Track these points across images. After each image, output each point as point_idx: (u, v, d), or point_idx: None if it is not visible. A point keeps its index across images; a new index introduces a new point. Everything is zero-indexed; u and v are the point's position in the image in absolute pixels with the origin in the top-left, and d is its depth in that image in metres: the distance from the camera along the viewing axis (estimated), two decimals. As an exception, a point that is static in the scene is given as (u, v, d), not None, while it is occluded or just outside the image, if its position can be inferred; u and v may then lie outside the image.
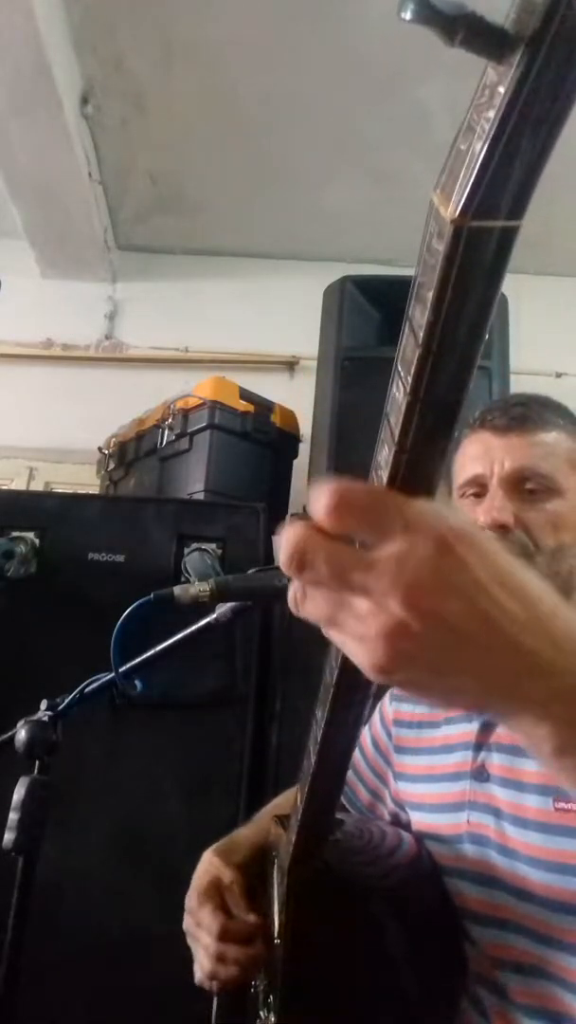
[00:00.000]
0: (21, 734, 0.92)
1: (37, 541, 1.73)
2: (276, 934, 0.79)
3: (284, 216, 2.72)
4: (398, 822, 0.95)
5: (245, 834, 0.91)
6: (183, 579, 1.66)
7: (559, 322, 2.83)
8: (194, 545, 1.72)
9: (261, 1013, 0.84)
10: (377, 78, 2.23)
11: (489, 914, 0.77)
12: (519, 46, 0.25)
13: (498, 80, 0.27)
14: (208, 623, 0.92)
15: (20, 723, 0.93)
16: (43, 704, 0.95)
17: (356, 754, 1.03)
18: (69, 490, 2.61)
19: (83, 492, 2.48)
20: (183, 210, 2.85)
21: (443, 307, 0.32)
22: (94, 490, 2.46)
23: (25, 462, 2.82)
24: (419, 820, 0.89)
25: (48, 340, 2.92)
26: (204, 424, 2.02)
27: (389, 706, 1.01)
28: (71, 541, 1.74)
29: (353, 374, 1.94)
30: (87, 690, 0.95)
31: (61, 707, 0.94)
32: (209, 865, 0.87)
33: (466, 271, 0.31)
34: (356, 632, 0.37)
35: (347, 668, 0.46)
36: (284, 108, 2.30)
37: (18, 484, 2.76)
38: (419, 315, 0.33)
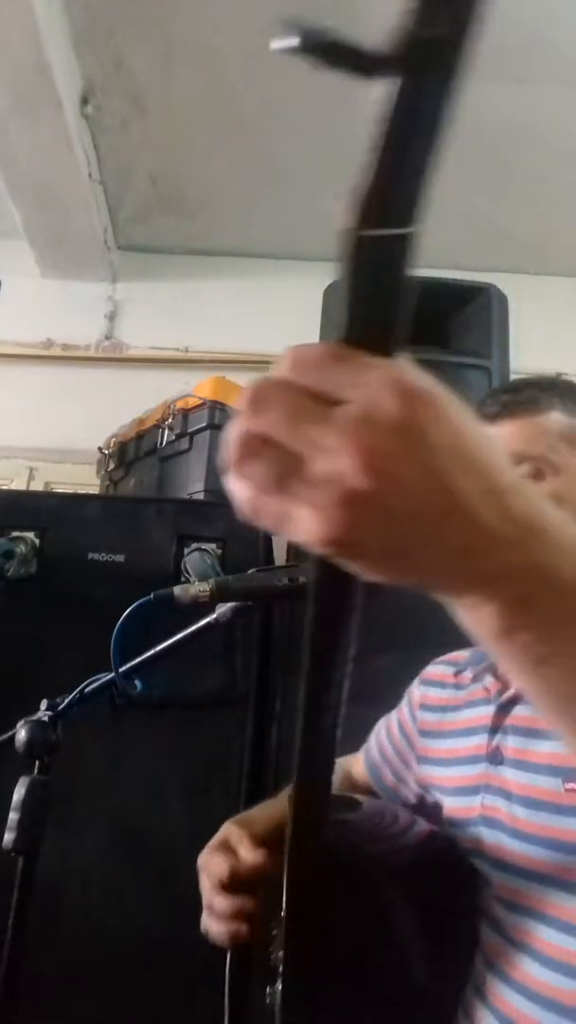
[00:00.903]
0: (21, 734, 0.92)
1: (37, 541, 1.73)
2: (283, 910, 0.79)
3: (284, 216, 2.72)
4: (423, 805, 0.95)
5: (264, 808, 0.90)
6: (183, 579, 1.66)
7: (559, 322, 2.83)
8: (194, 545, 1.72)
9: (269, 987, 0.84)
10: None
11: (508, 898, 0.77)
12: (392, 69, 0.28)
13: (379, 98, 0.29)
14: (208, 623, 0.92)
15: (20, 723, 0.93)
16: (43, 704, 0.95)
17: (383, 737, 1.05)
18: (69, 490, 2.61)
19: (83, 492, 2.48)
20: (183, 210, 2.85)
21: (348, 309, 0.33)
22: (94, 490, 2.46)
23: (25, 462, 2.82)
24: (447, 804, 0.90)
25: (48, 340, 2.92)
26: (204, 424, 2.03)
27: (417, 690, 1.02)
28: (71, 541, 1.74)
29: (353, 374, 1.94)
30: (87, 690, 0.95)
31: (61, 707, 0.94)
32: (224, 829, 0.86)
33: (366, 278, 0.32)
34: (307, 498, 0.33)
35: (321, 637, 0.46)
36: (284, 108, 2.30)
37: (18, 484, 2.76)
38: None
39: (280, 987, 0.77)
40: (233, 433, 0.35)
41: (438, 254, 2.76)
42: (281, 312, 2.73)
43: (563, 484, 0.82)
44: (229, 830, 0.85)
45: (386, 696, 1.10)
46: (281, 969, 0.77)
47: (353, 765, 1.10)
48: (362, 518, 0.33)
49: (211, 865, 0.82)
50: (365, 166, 0.30)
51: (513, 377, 2.03)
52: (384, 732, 1.06)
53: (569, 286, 2.94)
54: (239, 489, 0.35)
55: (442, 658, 1.01)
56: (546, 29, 2.11)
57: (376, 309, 0.33)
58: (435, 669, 1.01)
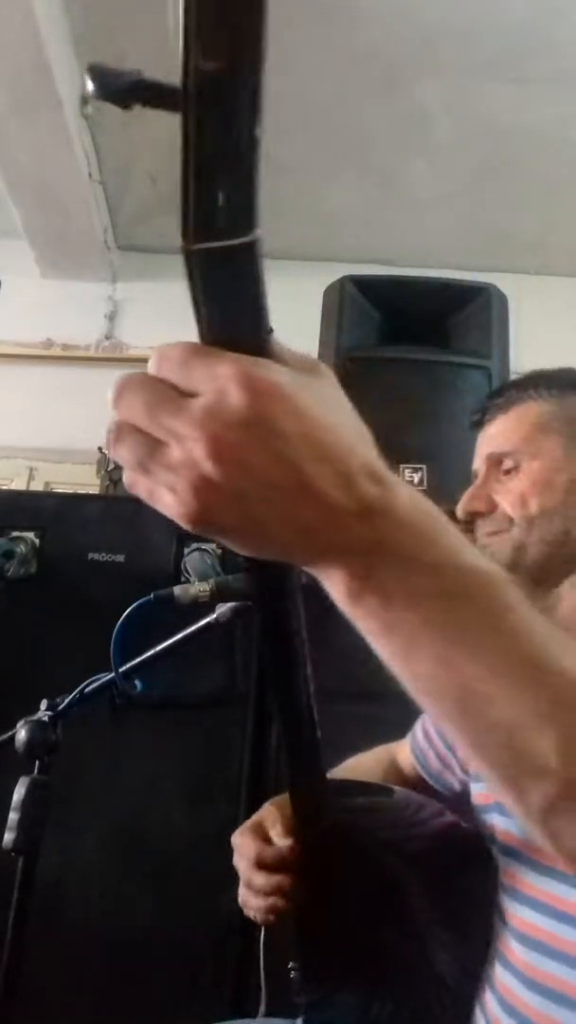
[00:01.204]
0: (21, 734, 0.92)
1: (37, 541, 1.73)
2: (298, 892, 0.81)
3: (284, 216, 2.72)
4: (466, 792, 0.96)
5: None
6: (183, 579, 1.66)
7: (559, 322, 2.83)
8: (194, 545, 1.72)
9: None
10: (377, 78, 2.23)
11: (509, 883, 0.78)
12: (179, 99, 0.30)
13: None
14: (208, 623, 0.92)
15: (20, 723, 0.93)
16: (43, 704, 0.95)
17: (428, 722, 1.05)
18: (69, 490, 2.61)
19: (83, 492, 2.48)
20: (183, 210, 2.85)
21: (199, 315, 0.37)
22: (94, 490, 2.45)
23: (25, 462, 2.82)
24: (474, 791, 0.92)
25: (48, 340, 2.92)
26: (204, 424, 2.02)
27: None
28: (71, 541, 1.74)
29: (353, 374, 1.93)
30: (87, 690, 0.95)
31: (61, 707, 0.94)
32: (263, 810, 0.88)
33: (208, 288, 0.35)
34: (166, 481, 0.37)
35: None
36: (284, 108, 2.30)
37: (18, 484, 2.76)
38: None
39: (298, 963, 0.79)
40: (110, 417, 0.38)
41: (438, 254, 2.76)
42: (281, 312, 2.68)
43: (539, 468, 0.85)
44: (266, 811, 0.87)
45: (388, 694, 1.10)
46: (295, 945, 0.79)
47: (398, 753, 1.10)
48: (214, 500, 0.36)
49: (243, 845, 0.85)
50: (181, 188, 0.33)
51: (513, 377, 2.03)
52: (428, 720, 1.06)
53: (569, 286, 2.93)
54: (123, 467, 0.39)
55: None
56: (547, 29, 2.11)
57: (225, 313, 0.36)
58: None
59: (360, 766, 1.06)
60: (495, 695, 0.40)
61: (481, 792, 0.88)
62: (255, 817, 0.87)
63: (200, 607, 0.89)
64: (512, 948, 0.75)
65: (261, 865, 0.82)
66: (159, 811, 1.56)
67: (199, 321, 0.36)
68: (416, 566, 0.39)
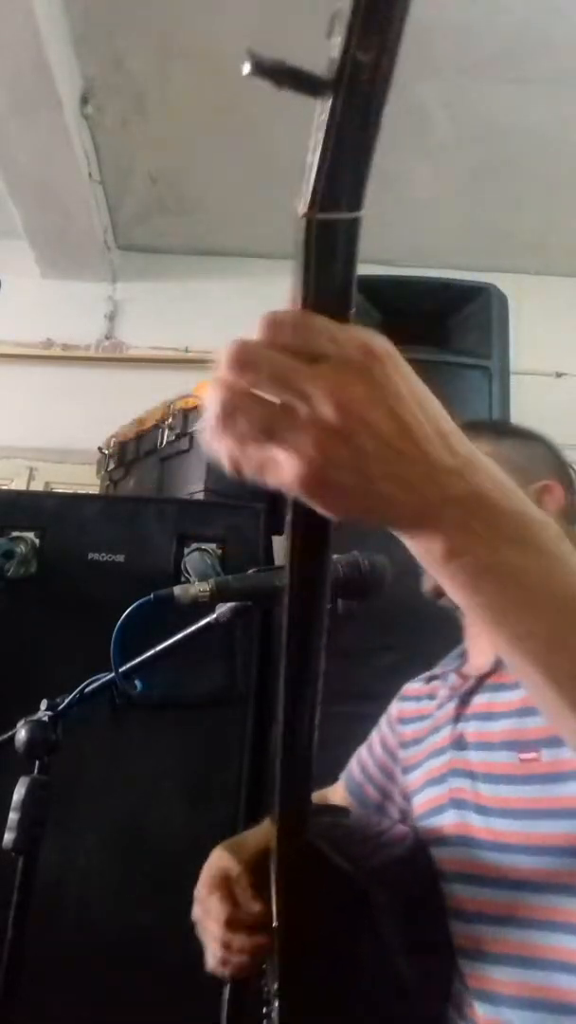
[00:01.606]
0: (21, 734, 0.92)
1: (37, 541, 1.73)
2: (274, 920, 0.81)
3: (284, 216, 2.71)
4: (406, 818, 0.99)
5: (254, 834, 0.93)
6: (183, 579, 1.66)
7: (559, 322, 2.83)
8: (194, 545, 1.72)
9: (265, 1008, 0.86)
10: (377, 78, 2.23)
11: (468, 872, 0.82)
12: (327, 88, 0.34)
13: (320, 111, 0.35)
14: (208, 623, 0.92)
15: (20, 723, 0.93)
16: (43, 704, 0.95)
17: (365, 756, 1.09)
18: (69, 490, 2.61)
19: (83, 492, 2.48)
20: (183, 210, 2.85)
21: (309, 282, 0.39)
22: (94, 490, 2.45)
23: (25, 462, 2.82)
24: (417, 803, 0.95)
25: (48, 340, 2.92)
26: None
27: (395, 707, 1.07)
28: (71, 541, 1.74)
29: (353, 374, 1.94)
30: (87, 690, 0.95)
31: (61, 707, 0.94)
32: (218, 859, 0.89)
33: (321, 256, 0.38)
34: (292, 441, 0.39)
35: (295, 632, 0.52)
36: (284, 108, 2.30)
37: (18, 484, 2.76)
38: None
39: (276, 1007, 0.79)
40: (215, 393, 0.40)
41: (438, 254, 2.76)
42: (281, 312, 2.74)
43: None
44: (224, 860, 0.87)
45: (387, 694, 1.10)
46: (275, 987, 0.79)
47: (333, 796, 1.12)
48: (337, 456, 0.39)
49: (212, 906, 0.85)
50: (314, 163, 0.36)
51: (513, 377, 2.03)
52: (366, 752, 1.10)
53: (569, 286, 2.94)
54: (221, 445, 0.41)
55: (419, 676, 1.07)
56: (547, 30, 2.11)
57: (333, 281, 0.40)
58: (411, 685, 1.07)
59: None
60: (569, 627, 0.44)
61: (430, 797, 0.91)
62: (217, 870, 0.88)
63: (200, 607, 0.88)
64: (489, 935, 0.78)
65: (233, 926, 0.83)
66: (159, 811, 1.56)
67: (305, 286, 0.39)
68: (506, 516, 0.43)
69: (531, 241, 2.82)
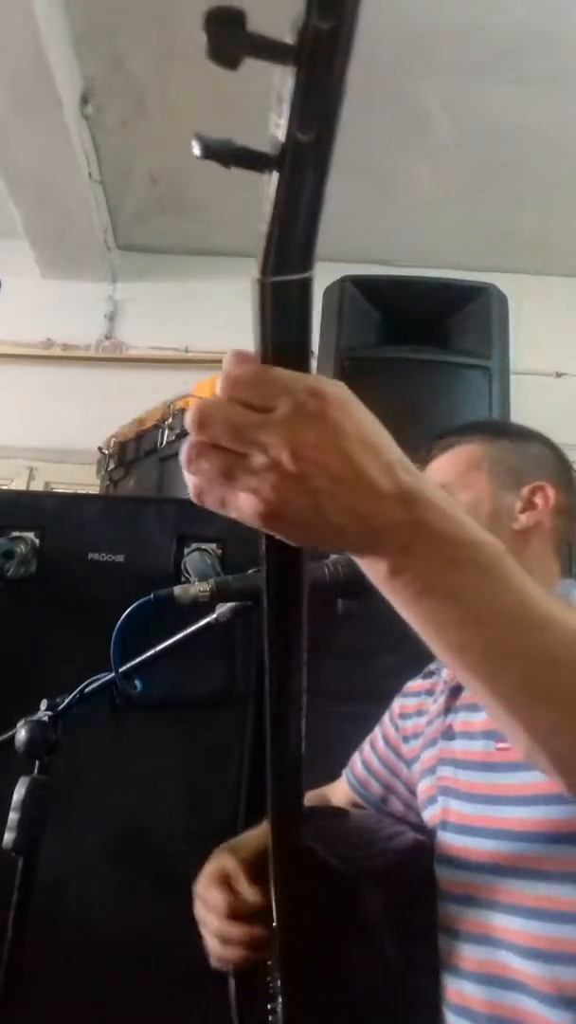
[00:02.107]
0: (21, 734, 0.92)
1: (37, 541, 1.73)
2: (274, 919, 0.82)
3: (284, 216, 2.72)
4: (409, 812, 1.02)
5: (253, 835, 0.95)
6: (183, 579, 1.66)
7: (559, 322, 2.83)
8: (194, 545, 1.72)
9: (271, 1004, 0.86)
10: (377, 78, 2.23)
11: (442, 854, 0.86)
12: (273, 166, 0.38)
13: (267, 183, 0.39)
14: (208, 623, 0.92)
15: (20, 723, 0.93)
16: (43, 704, 0.95)
17: (368, 752, 1.10)
18: (69, 490, 2.61)
19: (83, 492, 2.48)
20: (183, 210, 2.85)
21: (266, 339, 0.43)
22: (94, 490, 2.45)
23: (25, 462, 2.82)
24: (419, 795, 0.97)
25: (48, 340, 2.92)
26: (204, 424, 2.02)
27: (396, 702, 1.09)
28: (71, 541, 1.74)
29: (353, 374, 1.93)
30: (87, 690, 0.95)
31: (61, 707, 0.94)
32: (218, 859, 0.90)
33: (276, 314, 0.41)
34: (248, 484, 0.43)
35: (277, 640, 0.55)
36: (284, 108, 2.30)
37: (18, 484, 2.76)
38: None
39: (280, 1002, 0.79)
40: (186, 444, 0.44)
41: (438, 254, 2.76)
42: (281, 312, 2.74)
43: (467, 499, 0.96)
44: (224, 859, 0.89)
45: (388, 694, 1.10)
46: (279, 984, 0.80)
47: (332, 795, 1.14)
48: (291, 495, 0.43)
49: (211, 898, 0.87)
50: (264, 233, 0.38)
51: (513, 377, 2.03)
52: (368, 748, 1.11)
53: (569, 286, 2.93)
54: (190, 480, 0.45)
55: (420, 673, 1.09)
56: (547, 30, 2.11)
57: (289, 336, 0.42)
58: (412, 683, 1.09)
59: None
60: (514, 642, 0.49)
61: (426, 786, 0.94)
62: (215, 867, 0.90)
63: (200, 607, 0.88)
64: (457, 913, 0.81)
65: (232, 916, 0.85)
66: (159, 811, 1.56)
67: (263, 342, 0.42)
68: (444, 539, 0.47)
69: (531, 241, 2.82)
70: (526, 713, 0.50)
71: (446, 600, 0.48)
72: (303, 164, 0.37)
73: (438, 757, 0.92)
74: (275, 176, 0.38)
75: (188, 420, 0.44)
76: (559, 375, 2.76)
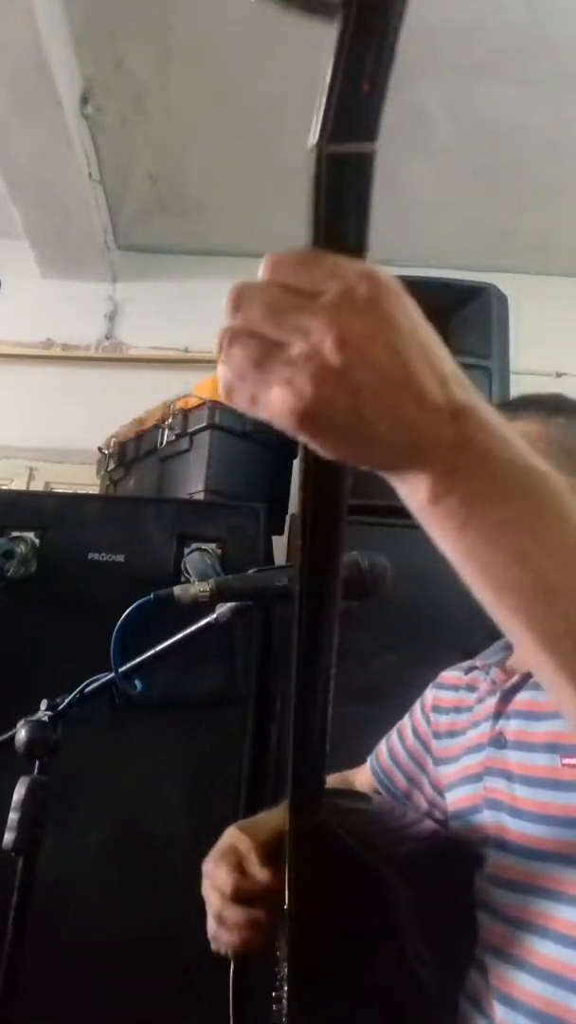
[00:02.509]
0: (21, 734, 0.92)
1: (37, 541, 1.73)
2: (286, 901, 0.79)
3: (284, 216, 2.72)
4: (434, 809, 0.97)
5: (270, 815, 0.90)
6: (183, 579, 1.66)
7: (559, 322, 2.83)
8: (194, 545, 1.72)
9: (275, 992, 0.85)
10: (377, 78, 2.22)
11: (500, 875, 0.79)
12: (337, 8, 0.32)
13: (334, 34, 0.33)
14: (208, 623, 0.92)
15: (20, 723, 0.93)
16: (43, 704, 0.95)
17: (395, 741, 1.06)
18: (69, 490, 2.61)
19: (83, 492, 2.48)
20: (183, 210, 2.85)
21: (319, 220, 0.38)
22: (94, 490, 2.46)
23: (25, 462, 2.82)
24: (450, 799, 0.92)
25: (48, 340, 2.92)
26: (204, 424, 2.02)
27: (430, 694, 1.04)
28: (71, 541, 1.74)
29: (353, 374, 1.93)
30: (87, 690, 0.95)
31: (61, 707, 0.94)
32: (230, 836, 0.86)
33: (331, 191, 0.36)
34: (283, 376, 0.38)
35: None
36: (284, 108, 2.30)
37: (18, 484, 2.76)
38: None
39: (286, 991, 0.78)
40: (220, 330, 0.40)
41: (438, 254, 2.76)
42: (281, 312, 2.74)
43: None
44: (235, 838, 0.84)
45: (388, 694, 1.10)
46: (285, 971, 0.78)
47: (355, 779, 1.10)
48: (330, 390, 0.38)
49: (218, 876, 0.82)
50: (324, 90, 0.34)
51: (513, 377, 2.03)
52: (396, 737, 1.06)
53: (569, 286, 2.93)
54: (221, 374, 0.40)
55: (457, 665, 1.03)
56: (547, 30, 2.11)
57: (343, 216, 0.37)
58: (448, 673, 1.03)
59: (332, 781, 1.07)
60: (568, 584, 0.42)
61: (463, 795, 0.87)
62: (225, 844, 0.85)
63: (200, 607, 0.88)
64: (524, 945, 0.74)
65: (236, 898, 0.80)
66: (159, 811, 1.56)
67: (315, 224, 0.37)
68: (496, 464, 0.42)
69: (531, 241, 2.82)
70: None
71: (495, 533, 0.42)
72: (373, 8, 0.32)
73: (484, 765, 0.85)
74: (339, 22, 0.33)
75: (225, 302, 0.39)
76: (559, 375, 2.75)
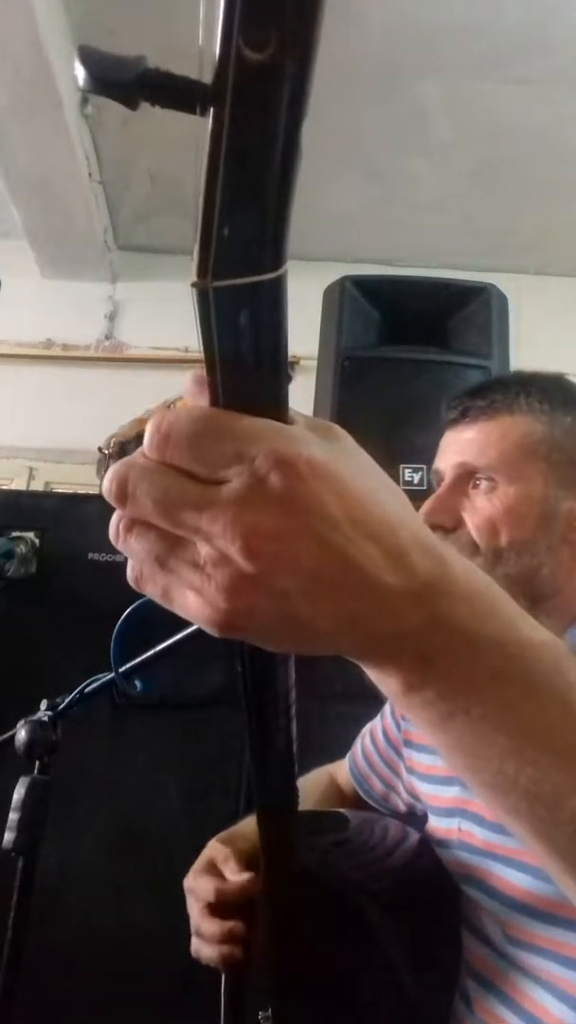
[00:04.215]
0: (21, 734, 0.92)
1: (37, 541, 1.73)
2: (267, 946, 0.78)
3: (284, 216, 2.72)
4: (414, 813, 0.95)
5: (249, 824, 0.87)
6: (183, 579, 1.66)
7: (559, 322, 2.83)
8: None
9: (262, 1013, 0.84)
10: (376, 78, 2.23)
11: (477, 918, 0.77)
12: (209, 97, 0.24)
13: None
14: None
15: (20, 723, 0.93)
16: (43, 704, 0.95)
17: (368, 745, 1.04)
18: (69, 490, 2.61)
19: (83, 492, 2.47)
20: (183, 210, 2.85)
21: (213, 370, 0.31)
22: (94, 490, 2.45)
23: (25, 462, 2.82)
24: (428, 820, 0.89)
25: (48, 340, 2.92)
26: (204, 424, 2.02)
27: None
28: (71, 541, 1.74)
29: (353, 374, 1.93)
30: (87, 690, 0.95)
31: (61, 707, 0.94)
32: (208, 849, 0.85)
33: (224, 335, 0.29)
34: (190, 581, 0.32)
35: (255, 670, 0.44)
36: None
37: (18, 484, 2.76)
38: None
39: (270, 1012, 0.77)
40: (115, 515, 0.33)
41: (438, 254, 2.76)
42: (281, 312, 2.74)
43: (515, 496, 0.78)
44: (214, 849, 0.83)
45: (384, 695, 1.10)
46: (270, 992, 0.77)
47: (337, 772, 1.08)
48: (248, 600, 0.32)
49: (198, 888, 0.81)
50: (203, 208, 0.26)
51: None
52: (369, 740, 1.04)
53: (570, 286, 2.94)
54: (129, 564, 0.34)
55: None
56: (547, 30, 2.11)
57: (246, 366, 0.30)
58: None
59: (301, 792, 1.05)
60: (570, 784, 0.35)
61: (439, 826, 0.83)
62: (204, 857, 0.83)
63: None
64: (519, 988, 0.71)
65: (217, 907, 0.77)
66: (159, 811, 1.56)
67: (210, 372, 0.30)
68: (480, 645, 0.35)
69: (531, 241, 2.82)
70: None
71: (480, 725, 0.35)
72: (252, 97, 0.23)
73: (455, 803, 0.80)
74: (210, 117, 0.24)
75: (104, 485, 0.32)
76: (559, 375, 2.76)
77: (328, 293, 2.13)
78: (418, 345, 1.98)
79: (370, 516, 0.32)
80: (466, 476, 0.81)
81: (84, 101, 2.39)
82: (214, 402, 0.32)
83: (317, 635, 0.33)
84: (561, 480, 0.79)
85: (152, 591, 0.34)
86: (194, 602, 0.32)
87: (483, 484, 0.79)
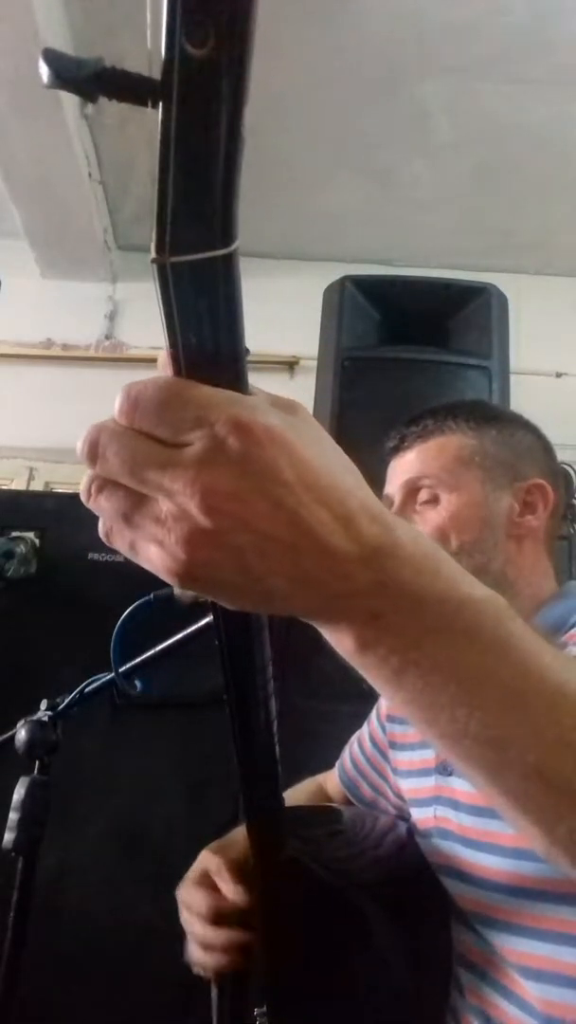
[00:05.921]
0: (21, 734, 0.92)
1: (37, 541, 1.73)
2: (260, 936, 0.79)
3: (284, 216, 2.72)
4: (403, 817, 0.96)
5: (240, 832, 0.89)
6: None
7: (559, 322, 2.83)
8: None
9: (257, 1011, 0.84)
10: (376, 78, 2.23)
11: (471, 909, 0.78)
12: (158, 91, 0.27)
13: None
14: (208, 623, 0.92)
15: (20, 723, 0.93)
16: (43, 704, 0.95)
17: (356, 751, 1.06)
18: (69, 490, 2.61)
19: (83, 492, 2.47)
20: (183, 210, 2.85)
21: (176, 342, 0.33)
22: (94, 490, 2.46)
23: (25, 462, 2.82)
24: (412, 814, 0.92)
25: (48, 340, 2.92)
26: (204, 424, 2.02)
27: (383, 701, 1.03)
28: (71, 541, 1.74)
29: (353, 374, 1.94)
30: (87, 690, 0.95)
31: (61, 707, 0.94)
32: (201, 859, 0.86)
33: (185, 308, 0.32)
34: (153, 535, 0.35)
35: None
36: (283, 108, 2.30)
37: (18, 484, 2.76)
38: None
39: (266, 1008, 0.77)
40: (86, 475, 0.37)
41: (438, 254, 2.76)
42: (281, 312, 2.73)
43: (458, 502, 0.86)
44: (206, 860, 0.84)
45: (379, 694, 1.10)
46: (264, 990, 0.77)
47: (327, 782, 1.10)
48: (206, 553, 0.34)
49: (193, 901, 0.82)
50: (157, 191, 0.29)
51: (513, 377, 2.03)
52: (357, 747, 1.06)
53: (569, 286, 2.93)
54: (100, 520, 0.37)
55: None
56: (546, 29, 2.11)
57: (205, 339, 0.32)
58: None
59: (290, 799, 1.06)
60: (516, 730, 0.39)
61: (419, 817, 0.87)
62: (197, 868, 0.85)
63: (200, 607, 0.88)
64: (502, 969, 0.73)
65: (215, 919, 0.79)
66: (159, 810, 1.56)
67: (172, 345, 0.33)
68: (426, 603, 0.38)
69: (531, 241, 2.82)
70: (541, 811, 0.40)
71: (431, 677, 0.38)
72: (196, 89, 0.26)
73: (433, 791, 0.84)
74: (160, 109, 0.27)
75: (78, 446, 0.36)
76: (559, 375, 2.75)
77: (328, 293, 2.13)
78: (418, 345, 1.98)
79: (321, 482, 0.35)
80: (413, 492, 0.91)
81: (84, 102, 2.39)
82: (177, 372, 0.34)
83: (272, 593, 0.36)
84: (496, 483, 0.89)
85: (120, 545, 0.37)
86: (156, 554, 0.35)
87: (428, 496, 0.88)
